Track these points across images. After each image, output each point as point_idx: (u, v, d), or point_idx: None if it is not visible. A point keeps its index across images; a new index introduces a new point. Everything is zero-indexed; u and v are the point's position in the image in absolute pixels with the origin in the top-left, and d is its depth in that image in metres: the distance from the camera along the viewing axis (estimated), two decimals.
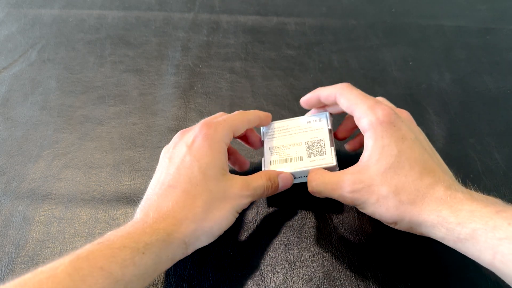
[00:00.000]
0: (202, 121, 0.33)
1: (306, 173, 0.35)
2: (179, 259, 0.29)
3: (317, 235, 0.37)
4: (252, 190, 0.32)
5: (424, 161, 0.29)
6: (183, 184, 0.29)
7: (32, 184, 0.41)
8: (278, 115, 0.47)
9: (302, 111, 0.48)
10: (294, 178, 0.36)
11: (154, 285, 0.34)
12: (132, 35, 0.58)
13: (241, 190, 0.31)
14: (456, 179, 0.30)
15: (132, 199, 0.40)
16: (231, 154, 0.38)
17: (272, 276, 0.34)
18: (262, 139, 0.39)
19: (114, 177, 0.42)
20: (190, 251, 0.29)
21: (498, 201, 0.27)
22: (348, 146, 0.39)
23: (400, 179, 0.28)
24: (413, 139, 0.30)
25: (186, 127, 0.46)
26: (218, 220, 0.29)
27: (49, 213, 0.39)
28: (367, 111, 0.31)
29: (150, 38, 0.57)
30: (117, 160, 0.43)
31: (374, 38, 0.58)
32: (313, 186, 0.33)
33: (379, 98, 0.36)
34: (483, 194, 0.28)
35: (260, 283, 0.34)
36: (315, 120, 0.38)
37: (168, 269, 0.35)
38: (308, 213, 0.38)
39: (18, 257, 0.36)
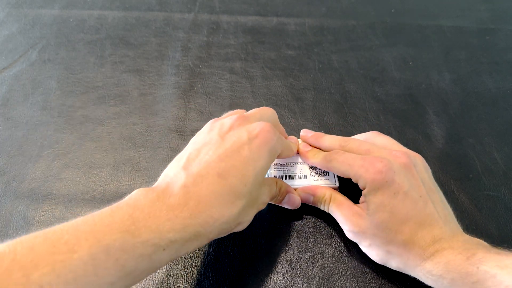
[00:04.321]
0: (269, 123, 0.31)
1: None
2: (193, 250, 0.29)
3: (317, 235, 0.37)
4: (273, 197, 0.34)
5: (416, 214, 0.30)
6: (234, 180, 0.27)
7: (33, 184, 0.41)
8: (278, 115, 0.47)
9: (301, 111, 0.48)
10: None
11: (155, 285, 0.34)
12: (132, 35, 0.58)
13: (267, 198, 0.32)
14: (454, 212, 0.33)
15: None
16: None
17: (272, 276, 0.34)
18: None
19: (114, 177, 0.42)
20: (206, 243, 0.29)
21: (472, 246, 0.29)
22: None
23: (390, 234, 0.31)
24: (406, 191, 0.30)
25: (186, 127, 0.46)
26: (243, 223, 0.30)
27: (49, 213, 0.39)
28: (359, 172, 0.32)
29: (150, 38, 0.57)
30: (117, 160, 0.43)
31: (374, 38, 0.58)
32: (331, 207, 0.36)
33: (374, 135, 0.37)
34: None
35: (260, 283, 0.34)
36: (304, 130, 0.40)
37: (168, 269, 0.35)
38: (308, 213, 0.38)
39: None
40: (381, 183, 0.31)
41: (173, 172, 0.28)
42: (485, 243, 0.30)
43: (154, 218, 0.25)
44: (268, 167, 0.31)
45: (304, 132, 0.40)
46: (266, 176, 0.38)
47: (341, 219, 0.34)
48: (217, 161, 0.28)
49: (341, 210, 0.34)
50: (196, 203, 0.26)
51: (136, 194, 0.27)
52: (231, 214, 0.27)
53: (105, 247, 0.22)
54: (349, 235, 0.34)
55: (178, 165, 0.29)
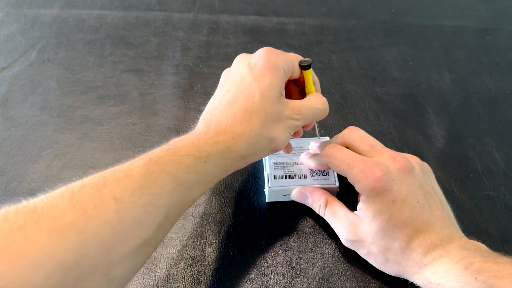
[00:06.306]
0: (265, 47, 0.33)
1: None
2: (235, 170, 0.31)
3: (317, 235, 0.37)
4: (302, 115, 0.33)
5: (413, 221, 0.30)
6: (242, 101, 0.31)
7: (32, 184, 0.41)
8: None
9: None
10: (285, 195, 0.38)
11: (154, 285, 0.34)
12: (132, 35, 0.58)
13: (292, 114, 0.32)
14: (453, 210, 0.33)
15: None
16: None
17: (272, 276, 0.34)
18: None
19: None
20: (245, 164, 0.32)
21: (470, 253, 0.29)
22: None
23: (388, 241, 0.31)
24: (404, 198, 0.30)
25: (186, 127, 0.46)
26: (272, 138, 0.31)
27: None
28: (357, 177, 0.32)
29: (150, 38, 0.57)
30: (117, 160, 0.43)
31: (374, 38, 0.58)
32: (326, 214, 0.36)
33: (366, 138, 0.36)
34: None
35: (260, 283, 0.34)
36: (315, 142, 0.40)
37: (168, 269, 0.35)
38: (308, 213, 0.38)
39: None
40: (379, 191, 0.30)
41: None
42: (484, 247, 0.30)
43: (188, 141, 0.29)
44: (277, 83, 0.31)
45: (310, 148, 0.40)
46: (265, 171, 0.38)
47: (337, 227, 0.34)
48: (225, 93, 0.32)
49: (336, 218, 0.34)
50: (217, 126, 0.30)
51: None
52: (252, 129, 0.30)
53: (156, 163, 0.26)
54: (346, 243, 0.34)
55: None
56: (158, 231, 0.25)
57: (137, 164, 0.26)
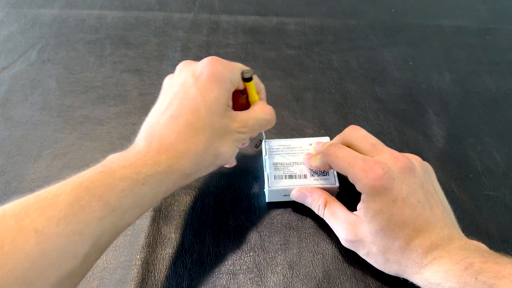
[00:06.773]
0: (210, 57, 0.32)
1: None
2: (178, 188, 0.30)
3: (317, 235, 0.37)
4: (249, 127, 0.33)
5: (413, 221, 0.30)
6: (186, 116, 0.29)
7: (32, 184, 0.41)
8: (278, 115, 0.47)
9: (301, 111, 0.48)
10: (285, 195, 0.38)
11: (154, 285, 0.34)
12: (132, 35, 0.58)
13: (239, 127, 0.32)
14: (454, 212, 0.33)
15: None
16: None
17: (272, 276, 0.34)
18: (264, 154, 0.40)
19: None
20: (189, 181, 0.31)
21: (470, 253, 0.28)
22: None
23: (388, 240, 0.30)
24: (405, 197, 0.30)
25: None
26: (218, 154, 0.31)
27: None
28: (358, 175, 0.31)
29: (150, 38, 0.57)
30: None
31: (374, 38, 0.58)
32: (325, 214, 0.35)
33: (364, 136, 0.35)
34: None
35: (260, 283, 0.34)
36: (317, 143, 0.40)
37: (168, 269, 0.35)
38: (308, 213, 0.38)
39: None
40: (380, 190, 0.30)
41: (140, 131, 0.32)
42: (484, 247, 0.30)
43: (125, 161, 0.27)
44: (224, 96, 0.31)
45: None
46: (265, 171, 0.38)
47: (336, 228, 0.34)
48: (168, 105, 0.31)
49: (336, 219, 0.34)
50: (158, 143, 0.28)
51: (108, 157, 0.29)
52: (197, 146, 0.29)
53: (86, 188, 0.24)
54: (345, 244, 0.34)
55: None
56: (85, 261, 0.24)
57: (65, 189, 0.24)
